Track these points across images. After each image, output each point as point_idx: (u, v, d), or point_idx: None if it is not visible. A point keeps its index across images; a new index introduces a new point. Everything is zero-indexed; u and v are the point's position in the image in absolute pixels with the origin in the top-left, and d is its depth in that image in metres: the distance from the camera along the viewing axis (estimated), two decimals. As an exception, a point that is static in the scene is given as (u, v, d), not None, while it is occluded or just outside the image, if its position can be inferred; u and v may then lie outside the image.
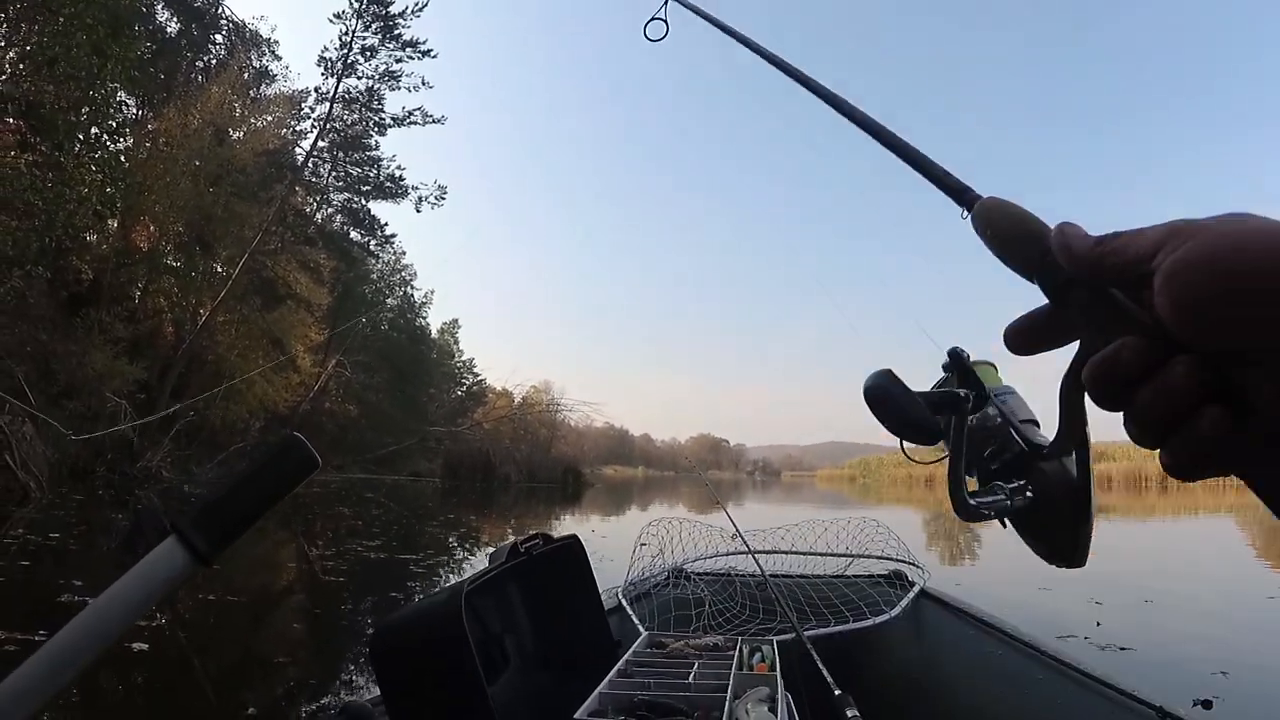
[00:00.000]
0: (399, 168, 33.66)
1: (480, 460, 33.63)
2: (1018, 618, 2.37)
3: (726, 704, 1.25)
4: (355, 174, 33.74)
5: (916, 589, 2.79)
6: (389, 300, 42.48)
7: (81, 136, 15.98)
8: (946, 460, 0.66)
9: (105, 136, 17.00)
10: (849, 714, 1.75)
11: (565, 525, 16.79)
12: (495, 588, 1.36)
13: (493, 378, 49.47)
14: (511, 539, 1.55)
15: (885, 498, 35.85)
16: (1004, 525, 0.62)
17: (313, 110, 30.87)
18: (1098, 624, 6.03)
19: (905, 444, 0.67)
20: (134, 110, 23.52)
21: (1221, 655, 5.19)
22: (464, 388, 48.87)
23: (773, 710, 1.28)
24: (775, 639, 1.70)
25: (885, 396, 0.57)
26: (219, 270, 25.78)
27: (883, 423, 0.58)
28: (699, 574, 2.94)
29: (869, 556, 3.10)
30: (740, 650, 1.61)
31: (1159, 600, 7.65)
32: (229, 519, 0.62)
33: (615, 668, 1.43)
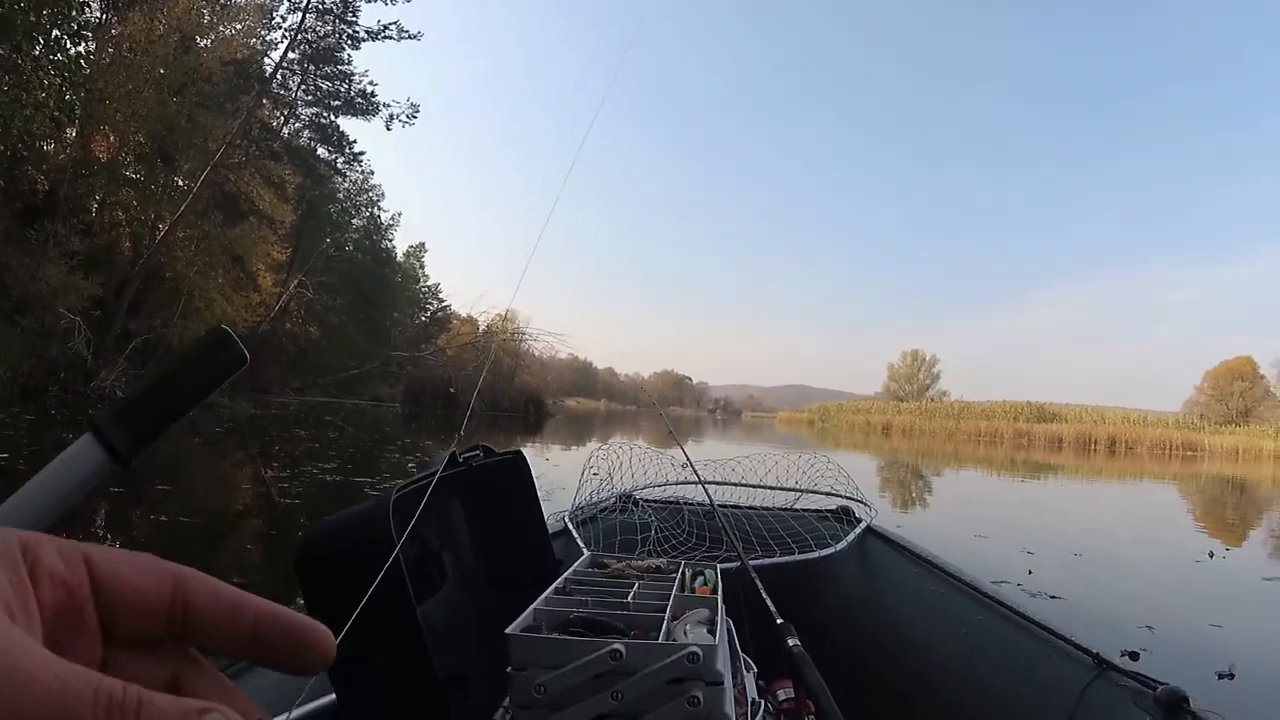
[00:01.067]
0: (371, 83, 32.71)
1: (441, 387, 33.47)
2: (955, 560, 2.41)
3: (664, 624, 1.24)
4: (325, 88, 32.76)
5: (863, 525, 2.83)
6: (355, 221, 41.80)
7: (41, 39, 15.28)
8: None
9: (66, 39, 16.29)
10: (790, 642, 1.77)
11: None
12: (430, 498, 1.33)
13: (458, 304, 49.08)
14: (451, 450, 1.51)
15: (842, 443, 36.45)
16: None
17: (284, 20, 29.74)
18: (1029, 572, 6.25)
19: None
20: (97, 14, 22.49)
21: (1149, 611, 5.41)
22: (428, 313, 48.49)
23: (712, 632, 1.27)
24: (720, 566, 1.70)
25: None
26: (180, 184, 25.01)
27: None
28: (648, 501, 2.94)
29: (817, 492, 3.12)
30: (683, 573, 1.60)
31: (1090, 556, 7.92)
32: (150, 416, 0.58)
33: (553, 585, 1.42)
